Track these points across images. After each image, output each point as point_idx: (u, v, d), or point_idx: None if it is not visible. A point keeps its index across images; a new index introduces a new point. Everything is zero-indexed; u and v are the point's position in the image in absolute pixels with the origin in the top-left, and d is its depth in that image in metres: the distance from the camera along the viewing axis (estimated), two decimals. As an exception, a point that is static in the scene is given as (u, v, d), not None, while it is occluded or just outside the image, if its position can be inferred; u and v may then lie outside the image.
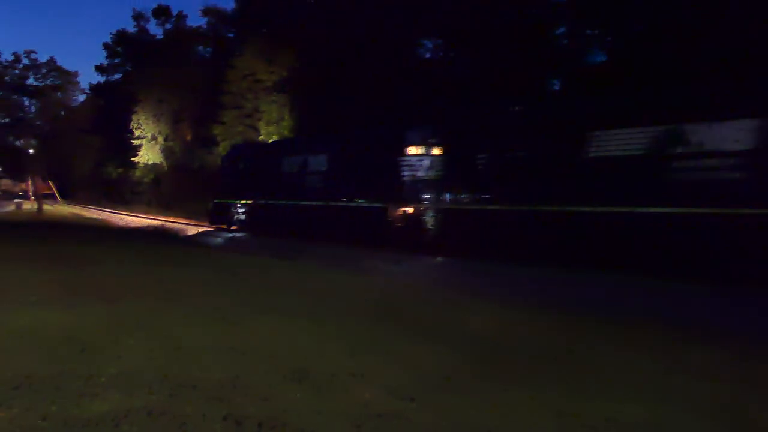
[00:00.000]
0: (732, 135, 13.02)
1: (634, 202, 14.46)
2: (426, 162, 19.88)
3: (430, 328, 7.65)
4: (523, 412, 4.73)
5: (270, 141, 37.10)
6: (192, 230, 31.36)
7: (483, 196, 18.44)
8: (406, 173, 20.36)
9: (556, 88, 28.09)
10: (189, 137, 56.44)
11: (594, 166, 15.61)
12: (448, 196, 19.29)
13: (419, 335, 7.16)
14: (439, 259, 18.16)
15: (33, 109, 42.26)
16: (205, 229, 32.23)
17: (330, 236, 22.52)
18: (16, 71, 40.56)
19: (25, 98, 41.72)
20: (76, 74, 43.37)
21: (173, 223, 36.37)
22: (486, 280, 14.19)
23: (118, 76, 67.39)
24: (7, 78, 40.39)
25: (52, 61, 41.88)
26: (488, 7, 26.42)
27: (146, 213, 52.43)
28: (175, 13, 62.11)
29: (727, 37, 19.10)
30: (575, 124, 16.43)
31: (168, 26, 62.14)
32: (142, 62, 58.63)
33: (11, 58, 40.46)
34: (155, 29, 62.78)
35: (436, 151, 19.69)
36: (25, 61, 40.77)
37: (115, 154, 63.99)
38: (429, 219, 19.54)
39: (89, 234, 27.44)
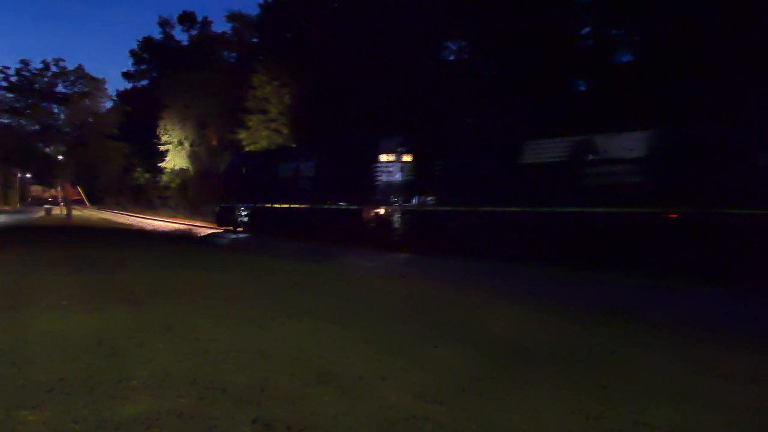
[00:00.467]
0: (629, 144, 15.16)
1: (558, 202, 16.69)
2: (394, 168, 21.96)
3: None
4: (550, 415, 4.70)
5: (265, 149, 40.01)
6: (209, 232, 33.47)
7: (439, 199, 20.63)
8: (378, 178, 22.38)
9: (582, 88, 27.91)
10: (215, 142, 56.89)
11: (527, 171, 17.64)
12: (412, 199, 21.42)
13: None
14: (404, 255, 20.15)
15: (62, 116, 42.72)
16: (214, 230, 34.56)
17: (317, 236, 24.87)
18: (45, 79, 40.98)
19: (54, 105, 42.17)
20: (103, 81, 43.70)
21: (198, 227, 38.12)
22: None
23: (144, 82, 68.32)
24: (36, 86, 40.82)
25: (80, 68, 42.27)
26: (512, 8, 26.31)
27: (173, 217, 52.91)
28: (200, 19, 62.70)
29: (755, 36, 18.86)
30: (509, 134, 18.80)
31: (193, 32, 62.78)
32: (168, 68, 59.19)
33: (40, 66, 40.86)
34: (181, 35, 63.31)
35: (403, 158, 21.86)
36: (54, 68, 41.24)
37: (143, 159, 64.75)
38: (396, 219, 21.75)
39: (117, 238, 27.79)
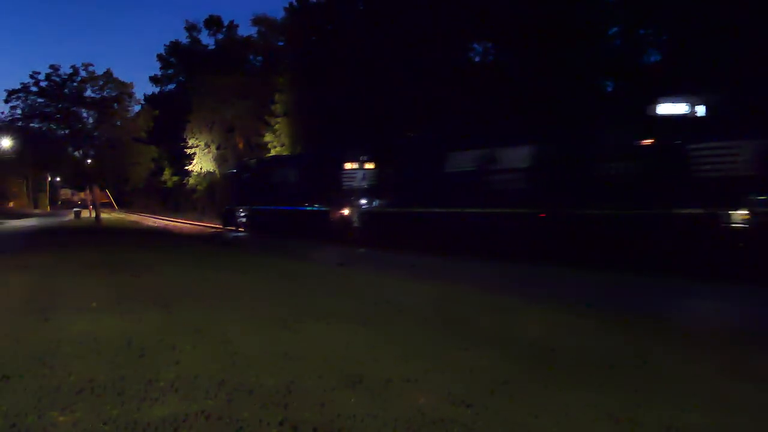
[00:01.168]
0: (520, 156, 18.34)
1: (470, 204, 19.70)
2: (357, 175, 25.02)
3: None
4: (581, 419, 4.64)
5: (259, 158, 43.40)
6: (214, 232, 37.20)
7: (388, 201, 23.96)
8: (343, 183, 25.51)
9: (609, 89, 27.67)
10: (241, 145, 57.28)
11: (450, 178, 20.69)
12: (371, 202, 24.60)
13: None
14: (362, 250, 22.56)
15: (91, 120, 43.16)
16: (220, 230, 38.26)
17: (299, 234, 28.00)
18: (75, 84, 41.46)
19: (83, 110, 42.65)
20: (131, 85, 44.01)
21: (221, 229, 39.70)
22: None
23: (172, 86, 68.94)
24: (66, 90, 41.33)
25: (108, 73, 42.62)
26: (540, 8, 26.16)
27: (199, 220, 53.30)
28: (226, 23, 62.98)
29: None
30: (439, 147, 22.10)
31: (219, 36, 63.18)
32: (195, 72, 59.67)
33: (70, 71, 41.33)
34: (207, 39, 63.63)
35: (365, 166, 24.89)
36: (83, 73, 41.60)
37: (170, 163, 65.41)
38: (356, 219, 25.01)
39: (145, 240, 28.09)
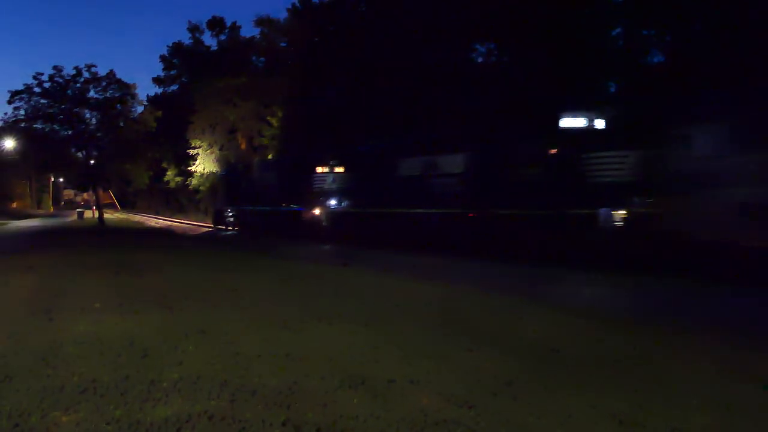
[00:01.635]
0: (454, 163, 20.93)
1: (417, 205, 22.29)
2: (327, 178, 27.32)
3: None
4: (585, 420, 4.64)
5: (245, 162, 44.81)
6: (205, 230, 40.31)
7: (352, 202, 26.47)
8: (315, 186, 27.72)
9: (612, 90, 27.63)
10: (243, 146, 57.31)
11: (402, 182, 23.11)
12: (337, 203, 27.07)
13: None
14: (326, 246, 24.84)
15: (94, 121, 43.15)
16: (210, 229, 41.43)
17: (278, 232, 30.24)
18: (78, 85, 41.45)
19: (86, 111, 42.64)
20: (134, 86, 43.91)
21: (213, 228, 42.09)
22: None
23: (174, 87, 68.93)
24: (69, 91, 41.32)
25: (111, 74, 42.57)
26: (542, 9, 26.15)
27: (203, 221, 53.33)
28: (228, 24, 63.01)
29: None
30: (392, 154, 24.19)
31: (222, 37, 63.19)
32: (198, 73, 59.69)
33: (73, 72, 41.31)
34: (210, 40, 63.62)
35: (334, 170, 27.26)
36: (86, 74, 41.48)
37: (173, 164, 65.47)
38: (325, 218, 27.44)
39: (148, 241, 28.12)
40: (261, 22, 56.35)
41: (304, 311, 8.78)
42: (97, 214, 50.96)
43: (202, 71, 58.75)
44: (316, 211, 27.83)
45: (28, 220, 58.48)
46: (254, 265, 16.55)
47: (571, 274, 14.78)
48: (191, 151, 59.99)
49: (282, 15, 68.86)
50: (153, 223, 53.40)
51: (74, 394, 5.04)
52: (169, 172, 67.60)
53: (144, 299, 9.80)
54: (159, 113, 47.40)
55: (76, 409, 4.71)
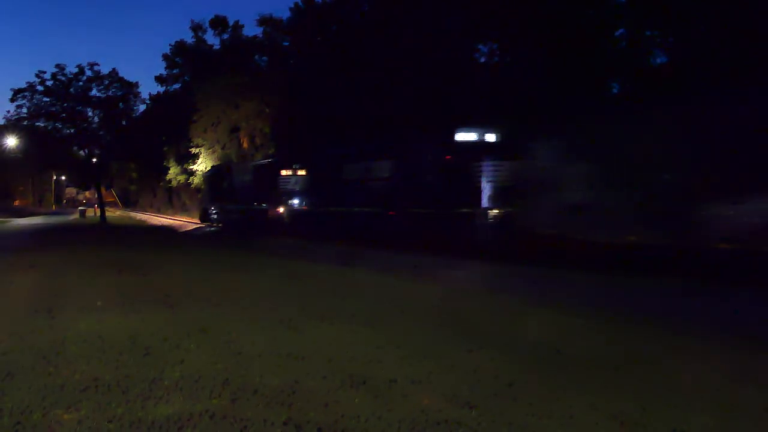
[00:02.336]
0: (382, 168, 23.34)
1: (356, 204, 24.72)
2: (290, 180, 29.89)
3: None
4: (586, 421, 4.63)
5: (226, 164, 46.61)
6: (193, 227, 42.67)
7: (308, 202, 29.25)
8: (279, 187, 30.33)
9: (615, 91, 27.57)
10: (246, 145, 57.27)
11: (345, 184, 25.64)
12: (298, 202, 29.69)
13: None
14: (290, 240, 26.37)
15: (96, 119, 43.26)
16: (197, 225, 43.55)
17: (250, 228, 32.70)
18: (80, 83, 41.54)
19: (89, 109, 42.75)
20: (137, 85, 44.11)
21: (201, 224, 44.14)
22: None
23: (177, 86, 68.87)
24: (71, 90, 41.40)
25: (114, 72, 42.70)
26: (545, 9, 26.11)
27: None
28: (231, 23, 62.95)
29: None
30: (337, 161, 26.80)
31: (225, 36, 63.12)
32: (200, 72, 59.65)
33: (75, 70, 41.38)
34: (212, 39, 63.57)
35: (295, 173, 29.80)
36: (89, 73, 41.60)
37: (176, 162, 65.46)
38: (287, 216, 30.15)
39: (150, 239, 28.14)
40: (264, 21, 56.28)
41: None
42: (99, 213, 51.01)
43: (204, 70, 58.69)
44: (280, 210, 30.83)
45: (30, 218, 58.57)
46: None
47: (454, 261, 16.30)
48: (193, 150, 59.96)
49: (285, 14, 68.76)
50: (154, 221, 53.43)
51: (76, 392, 5.05)
52: (171, 171, 67.55)
53: (145, 298, 9.81)
54: (161, 111, 47.42)
55: (78, 407, 4.72)
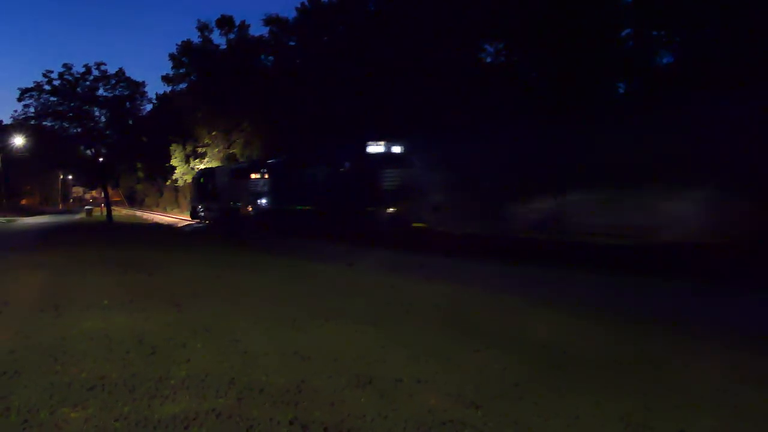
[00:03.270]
0: (317, 174, 28.16)
1: (302, 204, 28.91)
2: (258, 182, 34.15)
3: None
4: (591, 422, 4.63)
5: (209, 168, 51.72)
6: (185, 223, 46.85)
7: (269, 202, 33.05)
8: (250, 188, 34.69)
9: (621, 91, 27.53)
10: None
11: (295, 186, 29.94)
12: (264, 202, 33.49)
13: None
14: (249, 235, 30.01)
15: (103, 119, 43.28)
16: (188, 222, 47.60)
17: (228, 224, 37.16)
18: (87, 82, 41.57)
19: (95, 108, 42.76)
20: (143, 84, 44.05)
21: (191, 221, 47.95)
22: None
23: (183, 85, 68.92)
24: (78, 89, 41.45)
25: (121, 72, 42.67)
26: (552, 9, 26.07)
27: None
28: (237, 23, 62.95)
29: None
30: (289, 165, 31.85)
31: (231, 36, 63.13)
32: (207, 71, 59.73)
33: (83, 69, 41.43)
34: (219, 39, 63.42)
35: (262, 176, 34.06)
36: (96, 72, 41.53)
37: (182, 161, 65.60)
38: (254, 214, 34.20)
39: (155, 238, 28.16)
40: (270, 21, 56.28)
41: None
42: (105, 212, 51.10)
43: (210, 70, 58.76)
44: (249, 208, 35.42)
45: (36, 217, 58.78)
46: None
47: (353, 248, 19.44)
48: (199, 149, 60.12)
49: (291, 14, 68.75)
50: (160, 220, 53.56)
51: (83, 391, 5.07)
52: (177, 170, 67.63)
53: (151, 296, 9.83)
54: (168, 111, 47.64)
55: (85, 405, 4.74)
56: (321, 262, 16.95)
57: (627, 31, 27.04)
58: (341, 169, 26.87)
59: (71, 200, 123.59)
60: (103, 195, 53.68)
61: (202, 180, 45.77)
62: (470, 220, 23.66)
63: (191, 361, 5.99)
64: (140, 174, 48.67)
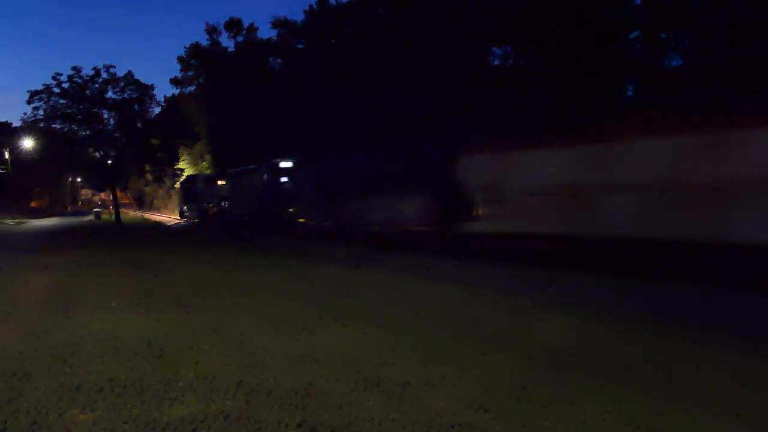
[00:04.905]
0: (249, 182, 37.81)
1: (245, 206, 38.03)
2: (223, 187, 43.34)
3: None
4: (600, 426, 4.60)
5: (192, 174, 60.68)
6: (174, 222, 54.51)
7: (226, 205, 42.53)
8: (215, 193, 44.57)
9: (630, 93, 27.46)
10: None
11: (240, 193, 39.79)
12: (223, 204, 43.03)
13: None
14: (212, 230, 36.84)
15: (112, 121, 43.39)
16: (177, 221, 55.43)
17: (203, 221, 46.66)
18: (96, 85, 41.69)
19: (104, 111, 42.88)
20: (152, 87, 44.10)
21: (179, 220, 56.75)
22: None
23: (192, 88, 69.11)
24: (87, 92, 41.58)
25: (129, 74, 42.80)
26: (560, 11, 26.03)
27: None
28: (246, 25, 63.10)
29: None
30: (236, 177, 41.18)
31: (239, 39, 63.28)
32: (215, 74, 59.94)
33: (92, 72, 41.56)
34: (227, 42, 63.60)
35: (224, 182, 43.61)
36: (105, 75, 41.67)
37: (191, 164, 65.88)
38: (217, 213, 43.45)
39: (163, 240, 28.25)
40: (278, 23, 56.39)
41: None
42: (113, 214, 51.26)
43: (219, 72, 58.95)
44: (214, 209, 44.77)
45: (45, 219, 59.01)
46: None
47: (270, 239, 25.90)
48: (205, 156, 60.41)
49: (299, 17, 68.89)
50: (168, 222, 53.77)
51: (91, 393, 5.08)
52: (186, 173, 67.91)
53: (159, 298, 9.86)
54: (176, 113, 48.00)
55: (93, 407, 4.75)
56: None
57: (635, 33, 27.02)
58: (264, 179, 34.54)
59: (80, 203, 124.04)
60: (111, 197, 53.87)
61: (186, 185, 54.96)
62: (327, 215, 29.57)
63: (199, 363, 6.00)
64: (149, 176, 48.73)
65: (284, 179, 31.63)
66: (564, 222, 16.64)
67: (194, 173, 60.27)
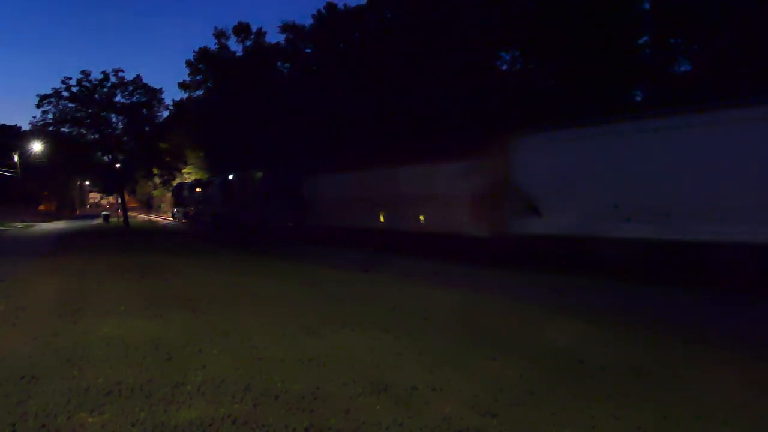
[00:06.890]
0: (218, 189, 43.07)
1: (217, 211, 41.66)
2: (201, 193, 47.42)
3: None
4: (607, 431, 4.58)
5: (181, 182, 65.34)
6: (168, 222, 60.85)
7: (202, 208, 47.23)
8: (196, 198, 49.24)
9: (638, 99, 27.39)
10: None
11: (213, 199, 43.72)
12: (199, 208, 47.64)
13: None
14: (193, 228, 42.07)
15: (120, 125, 43.59)
16: (172, 222, 60.33)
17: (191, 222, 51.49)
18: (105, 89, 41.89)
19: (113, 115, 43.07)
20: (160, 91, 44.35)
21: (173, 221, 63.29)
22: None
23: (200, 92, 69.24)
24: (96, 96, 41.77)
25: (138, 79, 42.98)
26: (570, 17, 26.01)
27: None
28: (254, 30, 63.18)
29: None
30: (207, 184, 47.49)
31: (248, 43, 63.37)
32: (223, 78, 60.02)
33: (100, 76, 41.77)
34: (235, 46, 63.69)
35: (201, 189, 48.04)
36: (113, 79, 41.88)
37: (198, 168, 65.98)
38: (195, 215, 49.50)
39: (171, 243, 28.30)
40: (286, 28, 56.44)
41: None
42: (122, 217, 51.44)
43: (227, 76, 59.03)
44: (192, 211, 51.20)
45: (54, 222, 59.25)
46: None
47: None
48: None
49: (307, 21, 68.95)
50: (176, 226, 53.98)
51: (100, 396, 5.10)
52: (192, 176, 68.02)
53: (167, 302, 9.88)
54: (184, 117, 48.32)
55: (102, 410, 4.76)
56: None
57: (644, 39, 26.95)
58: (228, 186, 39.25)
59: (88, 206, 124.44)
60: (119, 201, 54.11)
61: (176, 191, 62.04)
62: (251, 216, 34.48)
63: (207, 366, 6.01)
64: (156, 180, 49.11)
65: (230, 189, 38.67)
66: (345, 219, 26.30)
67: (199, 178, 62.38)
